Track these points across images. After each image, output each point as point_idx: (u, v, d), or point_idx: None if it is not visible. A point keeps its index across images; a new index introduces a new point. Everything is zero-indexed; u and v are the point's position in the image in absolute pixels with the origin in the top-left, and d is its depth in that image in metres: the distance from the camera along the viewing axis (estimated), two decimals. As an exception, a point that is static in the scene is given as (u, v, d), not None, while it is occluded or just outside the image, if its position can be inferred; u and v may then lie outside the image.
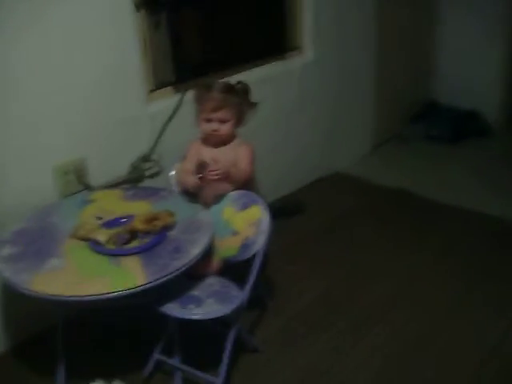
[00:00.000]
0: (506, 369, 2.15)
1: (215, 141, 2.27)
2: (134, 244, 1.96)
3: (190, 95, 2.40)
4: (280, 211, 3.23)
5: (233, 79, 2.65)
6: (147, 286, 1.76)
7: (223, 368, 2.00)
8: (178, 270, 1.83)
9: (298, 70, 3.29)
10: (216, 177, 2.13)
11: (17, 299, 1.87)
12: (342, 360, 2.22)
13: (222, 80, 2.34)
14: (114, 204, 2.25)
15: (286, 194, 3.48)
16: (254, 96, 2.95)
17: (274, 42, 3.20)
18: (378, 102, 3.94)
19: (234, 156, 2.25)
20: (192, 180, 2.19)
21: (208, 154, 2.26)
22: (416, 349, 2.27)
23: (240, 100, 2.24)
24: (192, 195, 2.27)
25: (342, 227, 3.15)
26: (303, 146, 3.50)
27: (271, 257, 2.84)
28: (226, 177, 2.16)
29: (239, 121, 2.28)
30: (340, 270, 2.77)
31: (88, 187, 2.42)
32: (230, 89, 2.23)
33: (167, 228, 2.02)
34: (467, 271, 2.72)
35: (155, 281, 1.78)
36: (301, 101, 3.37)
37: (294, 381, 2.15)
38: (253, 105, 2.30)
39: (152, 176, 2.65)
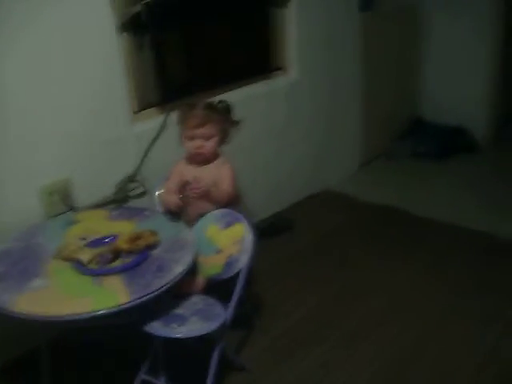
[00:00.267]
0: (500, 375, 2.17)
1: (199, 159, 2.29)
2: (117, 263, 1.96)
3: (174, 116, 2.42)
4: (268, 229, 3.26)
5: (218, 99, 2.69)
6: (129, 304, 1.76)
7: (208, 386, 2.00)
8: (160, 288, 1.82)
9: (284, 89, 3.32)
10: (196, 195, 2.18)
11: (1, 320, 1.86)
12: (331, 375, 2.22)
13: (205, 100, 2.36)
14: (99, 224, 2.25)
15: (275, 211, 3.49)
16: (240, 115, 2.99)
17: (258, 61, 3.24)
18: (365, 119, 3.97)
19: (217, 175, 2.27)
20: (174, 199, 2.22)
21: (191, 172, 2.28)
22: (406, 362, 2.27)
23: (222, 117, 2.27)
24: (175, 214, 2.28)
25: (330, 244, 3.16)
26: (292, 164, 3.53)
27: (259, 275, 2.85)
28: (207, 195, 2.19)
29: (223, 138, 2.30)
30: (329, 287, 2.77)
31: (73, 208, 2.43)
32: (211, 106, 2.28)
33: (150, 247, 2.02)
34: (456, 285, 2.73)
35: (137, 299, 1.77)
36: (288, 119, 3.40)
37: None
38: (235, 123, 2.33)
39: (137, 196, 2.66)
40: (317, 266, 2.96)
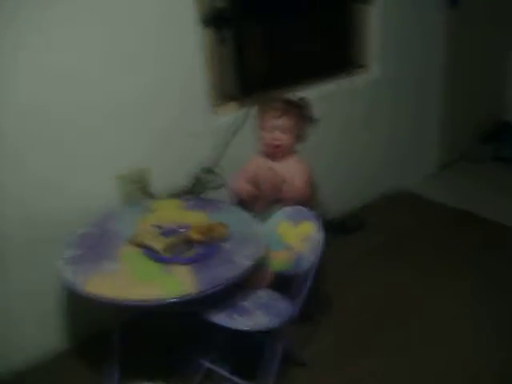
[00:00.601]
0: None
1: (276, 152, 2.34)
2: (188, 254, 2.02)
3: (253, 109, 2.47)
4: (340, 227, 3.25)
5: (297, 95, 2.70)
6: (195, 294, 1.81)
7: (269, 380, 2.03)
8: (227, 280, 1.87)
9: (364, 86, 3.28)
10: (270, 185, 2.27)
11: (82, 301, 1.96)
12: (390, 380, 2.20)
13: (285, 94, 2.40)
14: (173, 213, 2.32)
15: (347, 210, 3.47)
16: (319, 112, 3.00)
17: (339, 58, 3.22)
18: (447, 120, 3.87)
19: (291, 172, 2.31)
20: (247, 187, 2.31)
21: (266, 165, 2.33)
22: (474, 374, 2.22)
23: (300, 112, 2.30)
24: (247, 205, 2.33)
25: (400, 246, 3.12)
26: (367, 163, 3.50)
27: (327, 273, 2.85)
28: (279, 190, 2.25)
29: (299, 135, 2.33)
30: (396, 289, 2.74)
31: (150, 196, 2.51)
32: (291, 100, 2.33)
33: (221, 239, 2.06)
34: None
35: (204, 290, 1.82)
36: (366, 118, 3.37)
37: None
38: (312, 120, 2.34)
39: (214, 188, 2.71)
40: (385, 268, 2.93)
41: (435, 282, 2.78)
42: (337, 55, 3.20)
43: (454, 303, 2.63)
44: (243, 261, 1.95)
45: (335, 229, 3.26)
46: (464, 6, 3.78)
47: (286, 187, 2.26)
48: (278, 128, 2.30)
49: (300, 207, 2.18)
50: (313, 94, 3.03)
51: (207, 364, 2.17)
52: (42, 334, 2.40)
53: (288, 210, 2.21)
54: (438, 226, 3.34)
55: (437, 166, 4.01)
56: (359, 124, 3.35)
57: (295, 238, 2.13)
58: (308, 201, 2.34)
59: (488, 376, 2.20)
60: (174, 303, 1.81)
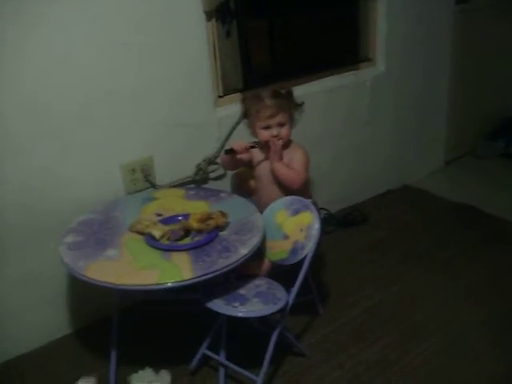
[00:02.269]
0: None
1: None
2: (186, 241, 2.06)
3: (241, 108, 2.48)
4: (344, 220, 3.28)
5: (302, 88, 2.74)
6: (193, 280, 1.84)
7: (264, 367, 2.05)
8: (224, 268, 1.89)
9: (370, 81, 3.29)
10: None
11: (83, 287, 2.00)
12: (387, 372, 2.22)
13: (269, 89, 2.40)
14: (175, 202, 2.35)
15: (353, 203, 3.49)
16: (323, 105, 3.03)
17: (345, 52, 3.23)
18: (454, 116, 3.87)
19: (289, 159, 2.35)
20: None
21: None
22: (463, 367, 2.22)
23: (290, 103, 2.33)
24: (248, 196, 2.37)
25: (403, 241, 3.12)
26: (372, 157, 3.51)
27: (328, 265, 2.88)
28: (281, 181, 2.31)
29: (292, 123, 2.37)
30: (396, 283, 2.74)
31: (153, 185, 2.54)
32: (279, 94, 2.33)
33: (219, 228, 2.09)
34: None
35: (201, 276, 1.85)
36: (371, 112, 3.37)
37: (337, 387, 2.17)
38: (299, 105, 2.38)
39: (216, 178, 2.75)
40: (387, 261, 2.94)
41: (437, 278, 2.78)
42: (342, 49, 3.21)
43: (457, 297, 2.63)
44: (241, 249, 1.98)
45: (338, 222, 3.28)
46: (473, 1, 3.79)
47: (285, 168, 2.32)
48: (275, 125, 2.31)
49: (298, 197, 2.21)
50: (318, 87, 3.07)
51: (204, 350, 2.19)
52: (42, 320, 2.44)
53: (287, 199, 2.24)
54: (442, 221, 3.34)
55: (443, 161, 4.00)
56: (364, 117, 3.36)
57: (293, 227, 2.15)
58: (305, 189, 2.38)
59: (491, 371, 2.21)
60: (172, 289, 1.85)
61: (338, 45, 3.17)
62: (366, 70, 3.31)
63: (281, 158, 2.33)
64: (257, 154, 2.42)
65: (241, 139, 2.46)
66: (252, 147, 2.37)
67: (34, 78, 2.14)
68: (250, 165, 2.44)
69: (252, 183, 2.47)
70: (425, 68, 3.55)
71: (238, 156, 2.37)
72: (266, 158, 2.38)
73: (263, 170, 2.41)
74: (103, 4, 2.22)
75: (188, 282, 1.84)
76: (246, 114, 2.41)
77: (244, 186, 2.50)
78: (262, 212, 2.26)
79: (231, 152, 2.37)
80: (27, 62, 2.11)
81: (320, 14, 3.05)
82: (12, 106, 2.13)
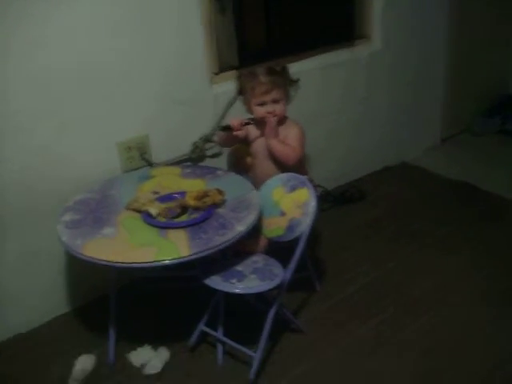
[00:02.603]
0: None
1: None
2: (183, 218, 2.06)
3: (236, 85, 2.47)
4: (341, 197, 3.28)
5: (298, 65, 2.72)
6: (190, 257, 1.85)
7: (262, 343, 2.07)
8: (220, 244, 1.90)
9: (366, 58, 3.27)
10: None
11: (81, 265, 2.01)
12: (383, 348, 2.24)
13: (264, 66, 2.41)
14: (172, 180, 2.36)
15: (350, 180, 3.49)
16: (319, 82, 3.02)
17: (341, 29, 3.20)
18: (450, 93, 3.85)
19: (285, 136, 2.35)
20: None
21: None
22: (458, 342, 2.24)
23: (285, 79, 2.33)
24: (244, 173, 2.38)
25: (400, 217, 3.13)
26: (369, 134, 3.50)
27: (325, 242, 2.89)
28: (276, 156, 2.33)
29: (287, 99, 2.37)
30: (392, 260, 2.75)
31: (149, 163, 2.54)
32: (274, 71, 2.33)
33: (216, 205, 2.10)
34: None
35: (198, 253, 1.86)
36: (368, 89, 3.36)
37: (335, 362, 2.19)
38: (294, 82, 2.38)
39: (212, 156, 2.74)
40: (383, 238, 2.95)
41: (434, 254, 2.79)
42: (338, 25, 3.17)
43: (453, 274, 2.64)
44: (238, 226, 1.99)
45: (335, 199, 3.28)
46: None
47: (280, 144, 2.33)
48: (270, 101, 2.31)
49: (294, 174, 2.21)
50: (313, 64, 3.06)
51: (202, 327, 2.21)
52: (41, 299, 2.45)
53: (284, 176, 2.24)
54: (439, 198, 3.34)
55: (439, 138, 4.00)
56: (361, 94, 3.34)
57: (290, 204, 2.15)
58: (300, 165, 2.39)
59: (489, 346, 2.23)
60: (169, 266, 1.86)
61: (333, 21, 3.14)
62: (361, 47, 3.29)
63: (277, 135, 2.33)
64: (253, 131, 2.41)
65: (237, 116, 2.45)
66: (248, 123, 2.37)
67: (33, 57, 2.14)
68: (246, 141, 2.44)
69: (248, 160, 2.46)
70: (421, 45, 3.52)
71: (235, 133, 2.36)
72: (262, 135, 2.38)
73: (259, 146, 2.41)
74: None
75: (185, 259, 1.85)
76: (241, 91, 2.41)
77: (240, 163, 2.49)
78: (258, 188, 2.26)
79: (227, 129, 2.37)
80: (27, 40, 2.10)
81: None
82: (15, 85, 2.13)
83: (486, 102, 4.18)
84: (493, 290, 2.53)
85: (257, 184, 2.30)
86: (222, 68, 2.72)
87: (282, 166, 2.34)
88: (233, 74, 2.72)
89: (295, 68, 2.54)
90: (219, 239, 1.92)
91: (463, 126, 4.13)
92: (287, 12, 2.94)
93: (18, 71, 2.12)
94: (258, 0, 2.80)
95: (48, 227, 2.25)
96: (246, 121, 2.37)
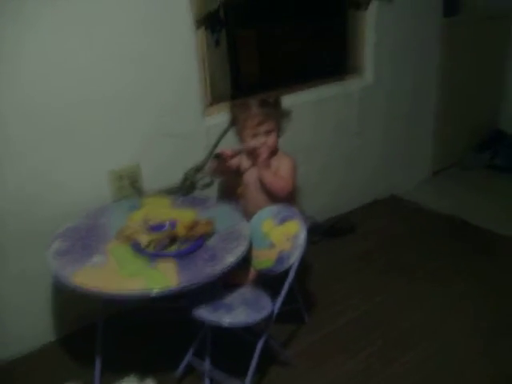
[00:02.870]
0: None
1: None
2: (173, 249, 2.06)
3: (229, 116, 2.51)
4: (330, 230, 3.29)
5: (290, 99, 2.74)
6: (179, 288, 1.85)
7: (250, 375, 2.06)
8: (210, 276, 1.90)
9: (358, 92, 3.32)
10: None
11: (70, 294, 2.00)
12: (371, 381, 2.22)
13: (257, 98, 2.45)
14: (162, 210, 2.35)
15: (340, 213, 3.50)
16: (312, 116, 3.05)
17: (334, 63, 3.25)
18: (440, 127, 3.90)
19: (277, 167, 2.38)
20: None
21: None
22: (446, 378, 2.24)
23: (277, 111, 2.37)
24: (235, 202, 2.40)
25: (389, 251, 3.14)
26: (361, 168, 3.53)
27: (315, 274, 2.89)
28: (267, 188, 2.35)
29: (280, 131, 2.40)
30: (382, 293, 2.76)
31: (140, 193, 2.54)
32: (266, 102, 2.37)
33: (206, 236, 2.10)
34: (507, 305, 2.64)
35: (187, 284, 1.86)
36: (359, 123, 3.40)
37: (322, 396, 2.18)
38: (287, 114, 2.41)
39: (203, 187, 2.75)
40: (373, 271, 2.95)
41: (423, 288, 2.80)
42: (330, 60, 3.23)
43: (443, 307, 2.65)
44: (227, 257, 1.99)
45: (325, 231, 3.29)
46: (461, 15, 3.83)
47: (272, 175, 2.35)
48: (262, 133, 2.34)
49: (285, 206, 2.22)
50: (306, 98, 3.09)
51: (189, 358, 2.19)
52: (26, 327, 2.44)
53: (274, 208, 2.25)
54: (429, 232, 3.36)
55: (430, 172, 4.03)
56: (352, 128, 3.38)
57: (280, 236, 2.16)
58: (291, 197, 2.41)
59: (478, 381, 2.22)
60: (157, 297, 1.85)
61: (326, 55, 3.20)
62: (354, 81, 3.33)
63: (268, 166, 2.35)
64: (244, 162, 2.44)
65: (228, 146, 2.48)
66: (239, 152, 2.39)
67: (31, 83, 2.17)
68: (238, 172, 2.46)
69: (239, 190, 2.48)
70: (413, 80, 3.58)
71: (227, 163, 2.38)
72: (254, 166, 2.40)
73: (250, 177, 2.43)
74: (94, 15, 2.25)
75: (174, 290, 1.85)
76: (234, 122, 2.43)
77: (231, 193, 2.51)
78: (249, 219, 2.27)
79: (220, 157, 2.38)
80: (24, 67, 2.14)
81: (308, 25, 3.07)
82: (9, 110, 2.16)
83: (477, 138, 4.23)
84: (483, 323, 2.53)
85: (247, 215, 2.31)
86: (215, 100, 2.75)
87: (272, 198, 2.36)
88: (225, 105, 2.75)
89: (288, 101, 2.57)
90: (209, 270, 1.92)
91: (454, 160, 4.16)
92: (280, 45, 2.98)
93: (16, 99, 2.14)
94: (251, 33, 2.84)
95: (36, 253, 2.24)
96: (238, 150, 2.39)
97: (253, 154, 2.38)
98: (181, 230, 2.09)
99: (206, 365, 2.15)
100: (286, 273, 2.11)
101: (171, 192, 2.63)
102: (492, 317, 2.56)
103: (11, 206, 2.25)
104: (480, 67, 4.04)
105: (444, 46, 3.67)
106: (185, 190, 2.69)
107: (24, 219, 2.29)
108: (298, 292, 2.47)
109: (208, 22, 2.58)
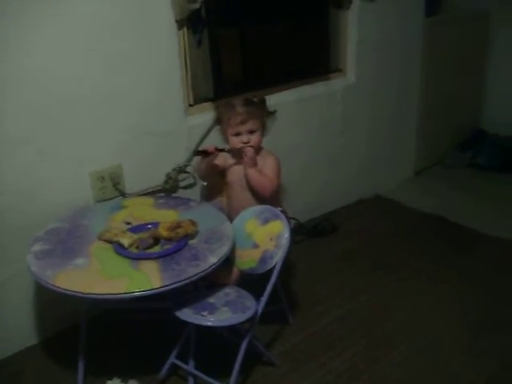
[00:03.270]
0: None
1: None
2: (155, 249, 2.05)
3: (214, 115, 2.51)
4: (313, 230, 3.29)
5: (273, 98, 2.74)
6: (162, 289, 1.83)
7: (234, 376, 2.05)
8: (193, 276, 1.89)
9: (341, 91, 3.32)
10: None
11: (49, 296, 1.98)
12: (356, 380, 2.22)
13: (242, 97, 2.45)
14: (144, 211, 2.34)
15: (323, 213, 3.50)
16: (295, 115, 3.05)
17: (316, 62, 3.25)
18: (423, 127, 3.92)
19: (261, 166, 2.38)
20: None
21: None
22: (432, 375, 2.24)
23: (262, 110, 2.38)
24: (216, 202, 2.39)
25: (372, 251, 3.14)
26: (343, 167, 3.53)
27: (298, 274, 2.89)
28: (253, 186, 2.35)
29: (264, 130, 2.40)
30: (365, 293, 2.75)
31: (122, 194, 2.53)
32: (251, 101, 2.37)
33: (189, 236, 2.09)
34: (491, 302, 2.66)
35: (170, 285, 1.84)
36: (342, 122, 3.40)
37: (306, 396, 2.17)
38: (271, 113, 2.42)
39: (186, 187, 2.74)
40: (356, 271, 2.95)
41: (407, 287, 2.80)
42: (313, 59, 3.23)
43: (427, 306, 2.65)
44: (211, 258, 1.98)
45: (308, 231, 3.29)
46: (442, 14, 3.86)
47: (258, 174, 2.35)
48: (246, 132, 2.34)
49: (268, 206, 2.21)
50: (289, 97, 3.09)
51: (173, 359, 2.18)
52: (7, 330, 2.41)
53: (257, 208, 2.24)
54: (412, 230, 3.37)
55: (413, 171, 4.05)
56: (336, 127, 3.38)
57: (263, 236, 2.16)
58: (275, 197, 2.40)
59: (462, 379, 2.23)
60: (140, 298, 1.83)
61: (308, 54, 3.20)
62: (336, 81, 3.34)
63: (255, 164, 2.35)
64: (229, 161, 2.43)
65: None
66: (222, 150, 2.38)
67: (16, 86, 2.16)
68: (223, 172, 2.45)
69: (224, 189, 2.47)
70: (396, 79, 3.59)
71: (211, 162, 2.37)
72: (237, 165, 2.40)
73: (235, 176, 2.42)
74: (76, 13, 2.23)
75: (157, 291, 1.83)
76: (218, 121, 2.43)
77: (215, 193, 2.50)
78: (233, 218, 2.26)
79: (202, 153, 2.37)
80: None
81: (291, 23, 3.07)
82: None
83: (459, 137, 4.25)
84: (468, 320, 2.54)
85: (231, 214, 2.31)
86: (197, 100, 2.73)
87: (257, 197, 2.36)
88: (208, 105, 2.75)
89: (271, 101, 2.56)
90: (192, 271, 1.90)
91: (436, 159, 4.18)
92: (263, 44, 2.98)
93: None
94: (234, 33, 2.83)
95: (17, 257, 2.21)
96: (221, 147, 2.38)
97: (237, 153, 2.38)
98: (163, 231, 2.07)
99: (190, 366, 2.13)
100: (270, 273, 2.10)
101: (153, 193, 2.62)
102: (476, 314, 2.58)
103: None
104: (462, 67, 4.07)
105: (426, 45, 3.69)
106: (167, 190, 2.67)
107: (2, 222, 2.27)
108: (281, 292, 2.46)
109: (190, 21, 2.56)
